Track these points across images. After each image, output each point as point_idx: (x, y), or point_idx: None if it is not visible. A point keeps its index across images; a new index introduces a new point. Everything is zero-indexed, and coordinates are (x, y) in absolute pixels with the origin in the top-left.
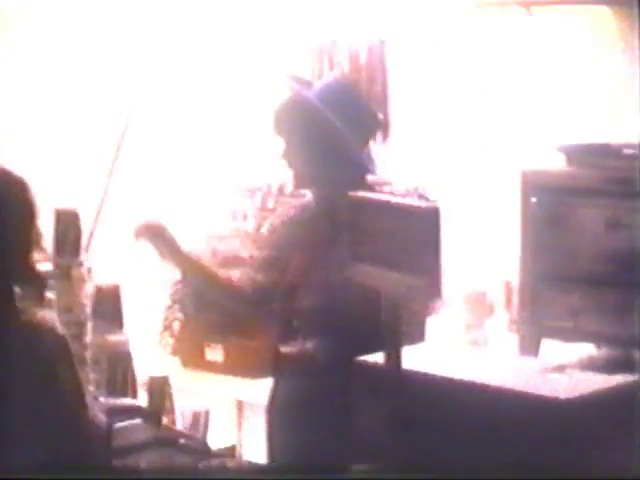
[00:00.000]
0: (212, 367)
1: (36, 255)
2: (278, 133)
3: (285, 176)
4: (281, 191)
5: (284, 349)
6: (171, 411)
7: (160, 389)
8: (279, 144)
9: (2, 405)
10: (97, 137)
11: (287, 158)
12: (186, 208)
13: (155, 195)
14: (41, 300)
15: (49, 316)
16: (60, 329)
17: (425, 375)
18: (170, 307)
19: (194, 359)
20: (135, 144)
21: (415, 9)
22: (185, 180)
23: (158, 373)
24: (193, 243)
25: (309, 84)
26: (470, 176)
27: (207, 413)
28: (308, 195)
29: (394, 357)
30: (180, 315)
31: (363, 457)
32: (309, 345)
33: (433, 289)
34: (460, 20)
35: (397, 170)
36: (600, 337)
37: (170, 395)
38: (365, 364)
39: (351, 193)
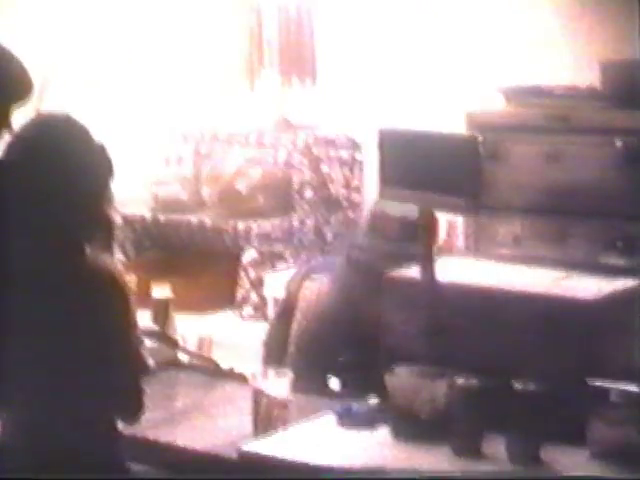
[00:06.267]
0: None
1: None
2: None
3: (217, 122)
4: (214, 137)
5: None
6: (174, 332)
7: (164, 310)
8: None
9: (66, 339)
10: None
11: None
12: (123, 154)
13: None
14: (109, 249)
15: (111, 262)
16: (122, 275)
17: (456, 285)
18: None
19: (142, 299)
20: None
21: None
22: (120, 125)
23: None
24: (133, 189)
25: None
26: (415, 118)
27: (211, 339)
28: None
29: (429, 269)
30: (122, 257)
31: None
32: None
33: (472, 207)
34: None
35: (327, 113)
36: (540, 261)
37: (172, 316)
38: (398, 278)
39: (391, 127)
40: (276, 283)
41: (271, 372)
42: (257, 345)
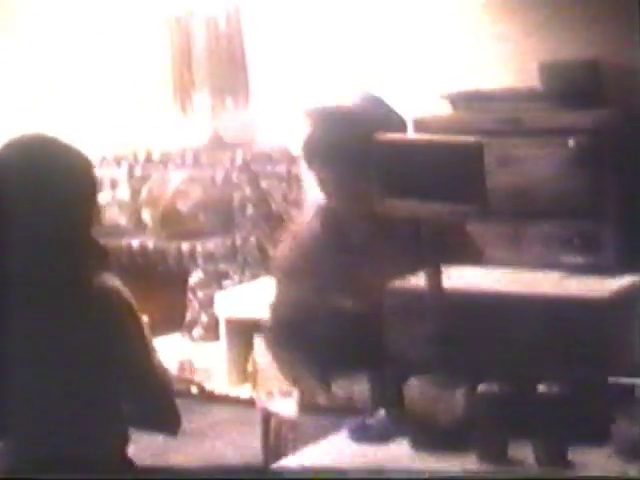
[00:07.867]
0: None
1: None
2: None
3: (149, 143)
4: (148, 158)
5: None
6: None
7: None
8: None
9: (76, 364)
10: None
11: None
12: None
13: None
14: (106, 268)
15: (114, 281)
16: (126, 292)
17: (462, 291)
18: None
19: None
20: None
21: None
22: None
23: None
24: None
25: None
26: None
27: (191, 362)
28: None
29: (435, 277)
30: None
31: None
32: None
33: (483, 212)
34: None
35: (263, 131)
36: (495, 261)
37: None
38: (404, 288)
39: (388, 135)
40: (226, 302)
41: (277, 393)
42: (211, 365)
